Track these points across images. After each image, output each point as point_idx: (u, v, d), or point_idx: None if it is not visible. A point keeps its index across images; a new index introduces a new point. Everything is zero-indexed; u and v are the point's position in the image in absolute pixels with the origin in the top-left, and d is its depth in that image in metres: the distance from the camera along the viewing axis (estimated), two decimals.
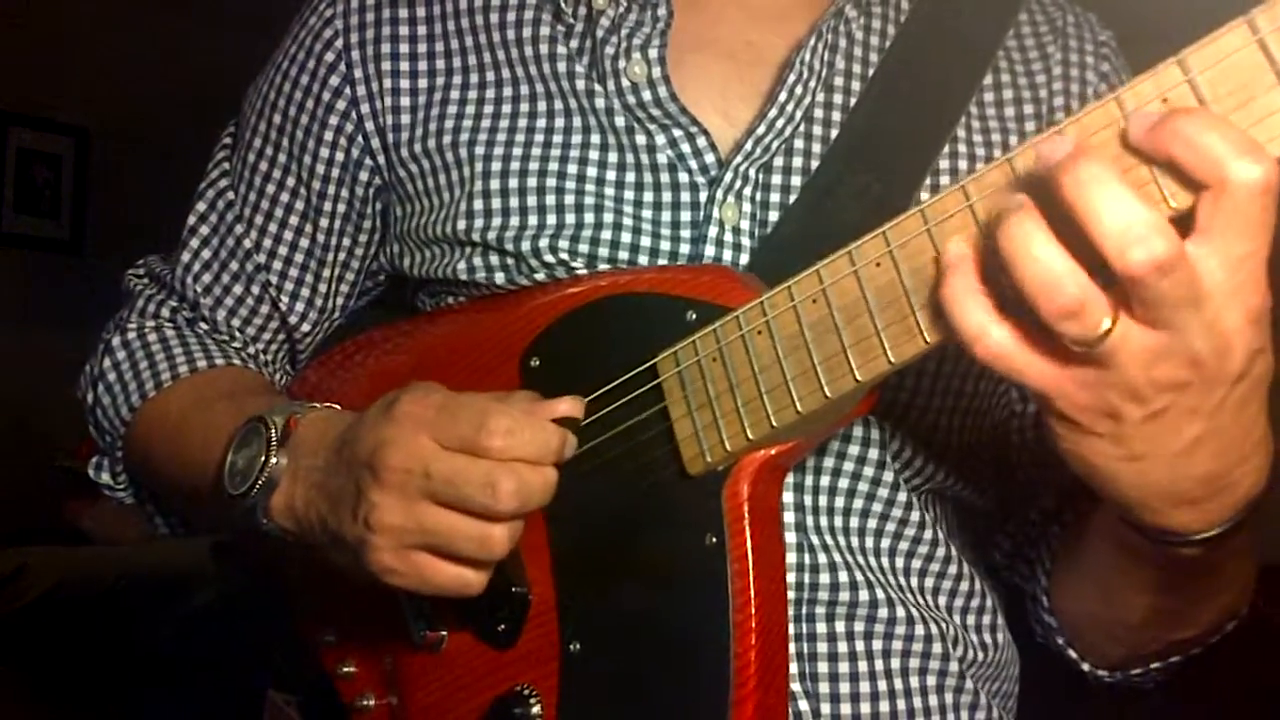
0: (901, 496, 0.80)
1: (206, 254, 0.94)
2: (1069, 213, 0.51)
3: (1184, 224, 0.51)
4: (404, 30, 0.87)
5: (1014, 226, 0.52)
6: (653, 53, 0.82)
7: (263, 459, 0.74)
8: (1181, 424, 0.54)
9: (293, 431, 0.75)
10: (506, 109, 0.83)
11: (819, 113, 0.81)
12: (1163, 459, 0.56)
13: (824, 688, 0.77)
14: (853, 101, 0.82)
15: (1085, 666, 0.82)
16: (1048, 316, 0.52)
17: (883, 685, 0.77)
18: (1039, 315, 0.52)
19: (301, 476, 0.73)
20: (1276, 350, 0.55)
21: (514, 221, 0.80)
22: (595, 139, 0.81)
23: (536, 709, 0.72)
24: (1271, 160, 0.49)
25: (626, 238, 0.79)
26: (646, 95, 0.81)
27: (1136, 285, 0.50)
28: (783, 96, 0.80)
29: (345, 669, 0.85)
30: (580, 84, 0.83)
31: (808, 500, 0.78)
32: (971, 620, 0.82)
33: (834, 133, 0.81)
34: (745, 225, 0.79)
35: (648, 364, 0.71)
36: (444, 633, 0.78)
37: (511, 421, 0.66)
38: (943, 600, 0.81)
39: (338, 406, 0.78)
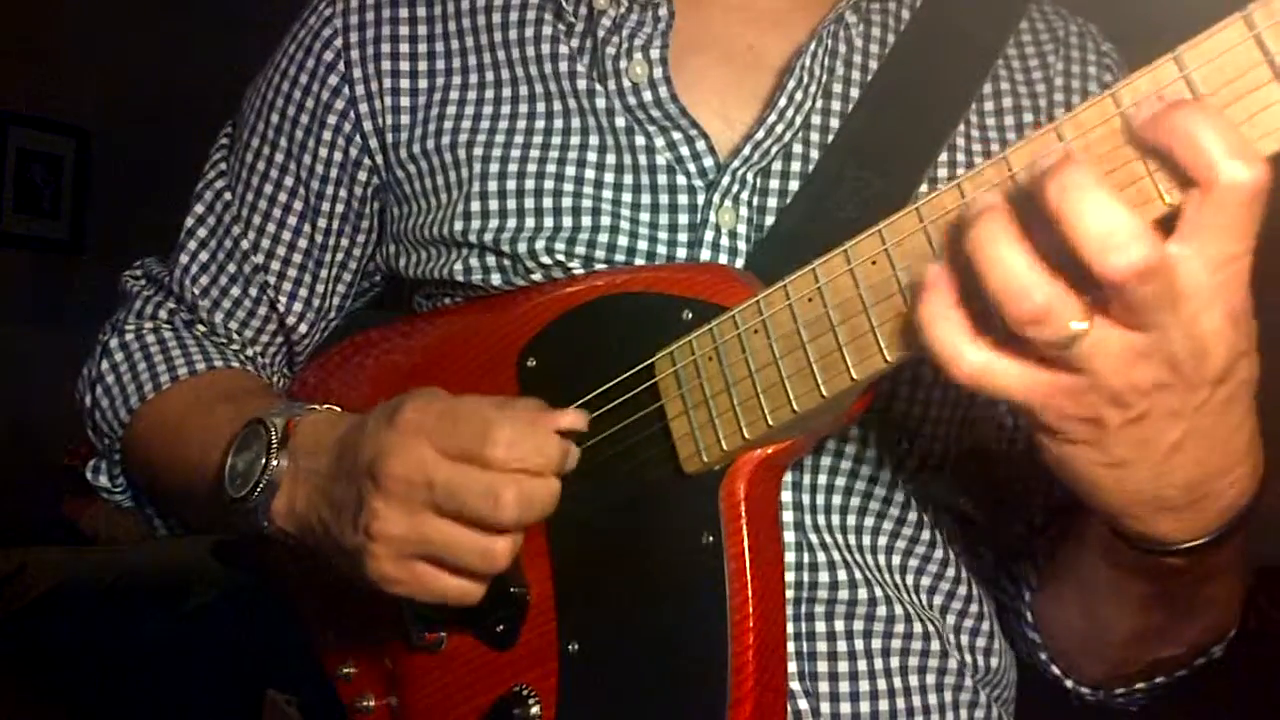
0: (899, 497, 0.80)
1: (204, 256, 0.94)
2: (1052, 218, 0.50)
3: (1169, 221, 0.51)
4: (404, 30, 0.87)
5: (981, 228, 0.51)
6: (654, 53, 0.81)
7: (263, 462, 0.73)
8: (1163, 428, 0.54)
9: (292, 433, 0.74)
10: (506, 109, 0.83)
11: (817, 119, 0.81)
12: (1145, 465, 0.55)
13: (823, 686, 0.76)
14: (851, 107, 0.81)
15: (1068, 684, 0.82)
16: (1014, 322, 0.51)
17: (882, 684, 0.77)
18: (1006, 322, 0.51)
19: (303, 479, 0.73)
20: (1266, 356, 0.55)
21: (511, 223, 0.80)
22: (594, 140, 0.81)
23: (536, 709, 0.72)
24: (1262, 165, 0.49)
25: (623, 241, 0.79)
26: (647, 96, 0.81)
27: (1118, 291, 0.49)
28: (782, 102, 0.80)
29: (345, 670, 0.85)
30: (581, 84, 0.83)
31: (805, 499, 0.78)
32: (968, 624, 0.82)
33: (831, 138, 0.80)
34: (742, 229, 0.79)
35: (644, 363, 0.71)
36: (443, 634, 0.78)
37: (514, 432, 0.65)
38: (938, 600, 0.81)
39: (337, 408, 0.77)
